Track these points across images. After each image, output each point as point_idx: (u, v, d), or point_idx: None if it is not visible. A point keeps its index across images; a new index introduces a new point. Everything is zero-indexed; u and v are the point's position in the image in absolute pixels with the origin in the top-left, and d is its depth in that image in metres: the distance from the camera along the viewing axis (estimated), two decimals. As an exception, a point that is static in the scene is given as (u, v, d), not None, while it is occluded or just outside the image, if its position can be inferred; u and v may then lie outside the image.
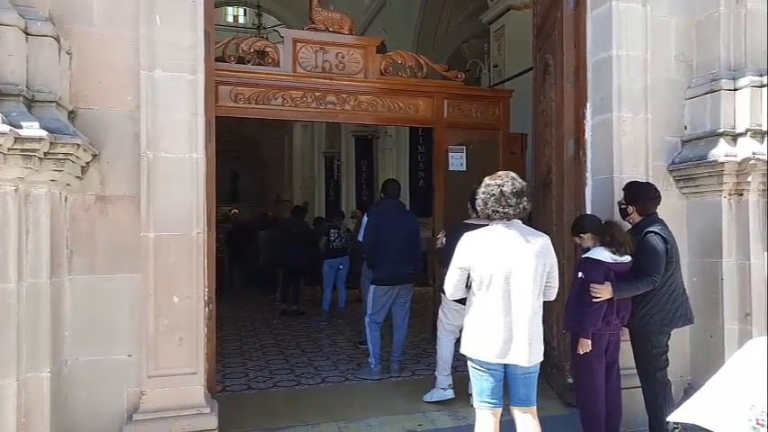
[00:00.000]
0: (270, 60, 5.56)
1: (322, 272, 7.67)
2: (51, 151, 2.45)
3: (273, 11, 16.14)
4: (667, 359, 3.29)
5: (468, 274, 2.57)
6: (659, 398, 3.21)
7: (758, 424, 1.29)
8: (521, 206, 2.54)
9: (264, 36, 9.06)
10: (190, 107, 2.97)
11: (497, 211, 2.54)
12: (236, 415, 3.69)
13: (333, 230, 7.72)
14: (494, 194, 2.54)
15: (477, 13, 9.48)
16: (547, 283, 2.61)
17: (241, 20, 20.59)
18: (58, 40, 2.63)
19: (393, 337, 4.98)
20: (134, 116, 2.91)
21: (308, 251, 7.76)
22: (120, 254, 2.90)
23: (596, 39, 3.91)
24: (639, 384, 3.35)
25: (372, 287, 4.90)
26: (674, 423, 3.22)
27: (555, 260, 2.66)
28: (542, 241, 2.60)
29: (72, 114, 2.80)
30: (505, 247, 2.52)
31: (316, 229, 8.42)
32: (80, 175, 2.81)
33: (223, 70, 5.45)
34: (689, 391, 3.84)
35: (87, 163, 2.81)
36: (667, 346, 3.29)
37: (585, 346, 3.07)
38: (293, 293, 8.05)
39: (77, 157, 2.61)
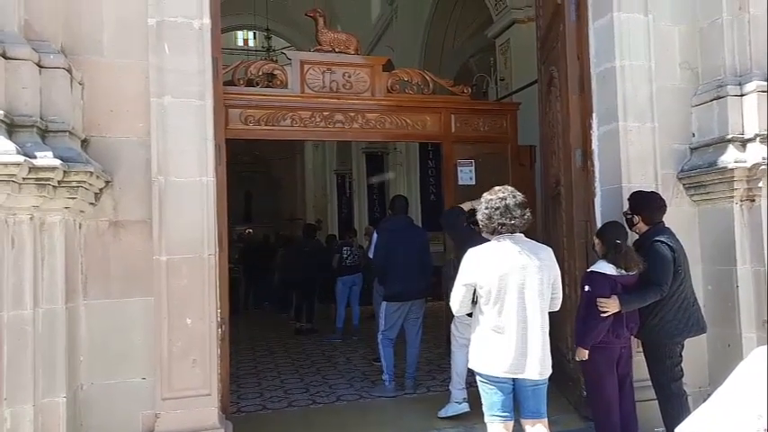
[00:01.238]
0: (278, 82, 5.64)
1: (335, 289, 7.68)
2: (65, 179, 2.51)
3: (282, 33, 16.40)
4: (681, 370, 3.25)
5: (474, 290, 2.57)
6: (675, 409, 3.15)
7: (767, 434, 1.28)
8: (525, 217, 2.56)
9: (274, 58, 9.22)
10: (199, 131, 3.03)
11: (504, 224, 2.55)
12: (252, 436, 3.70)
13: (345, 248, 7.74)
14: (498, 208, 2.56)
15: (482, 27, 9.54)
16: (552, 294, 2.62)
17: (251, 43, 20.95)
18: (70, 71, 2.72)
19: (406, 354, 4.97)
20: (145, 142, 2.98)
21: (321, 269, 7.78)
22: (133, 278, 2.95)
23: (599, 50, 3.93)
24: (655, 396, 3.31)
25: (384, 304, 4.91)
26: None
27: (558, 272, 2.67)
28: (546, 254, 2.61)
29: (85, 143, 2.88)
30: (512, 262, 2.53)
31: (328, 247, 8.45)
32: (93, 202, 2.87)
33: (233, 93, 5.55)
34: (708, 402, 3.78)
35: (100, 189, 2.88)
36: (681, 356, 3.24)
37: (582, 354, 3.06)
38: (307, 312, 8.07)
39: (90, 184, 2.67)
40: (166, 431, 2.88)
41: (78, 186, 2.57)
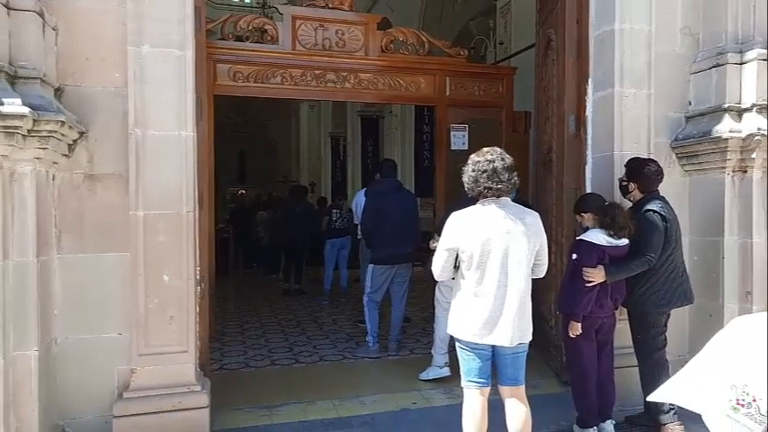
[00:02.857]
0: (269, 38, 5.48)
1: (324, 251, 7.67)
2: (35, 128, 2.41)
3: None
4: (665, 339, 3.25)
5: (457, 255, 2.52)
6: (657, 378, 3.16)
7: (738, 404, 1.25)
8: (512, 181, 2.49)
9: (270, 15, 8.96)
10: (179, 84, 2.91)
11: (490, 188, 2.48)
12: (232, 392, 3.71)
13: (335, 210, 7.69)
14: (486, 171, 2.48)
15: (483, -12, 9.28)
16: (536, 260, 2.57)
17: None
18: (41, 14, 2.58)
19: (391, 316, 4.98)
20: (122, 93, 2.87)
21: (310, 231, 7.74)
22: (109, 233, 2.88)
23: (600, 12, 3.79)
24: (635, 363, 3.32)
25: (371, 266, 4.89)
26: (670, 403, 3.19)
27: (545, 238, 2.61)
28: (532, 219, 2.55)
29: (59, 92, 2.77)
30: (496, 227, 2.47)
31: (319, 210, 8.39)
32: (67, 153, 2.78)
33: (221, 48, 5.40)
34: (688, 372, 3.81)
35: (74, 141, 2.78)
36: (666, 325, 3.25)
37: (575, 328, 3.03)
38: (295, 273, 8.08)
39: (63, 134, 2.58)
40: (142, 386, 2.86)
41: (49, 136, 2.47)
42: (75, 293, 2.86)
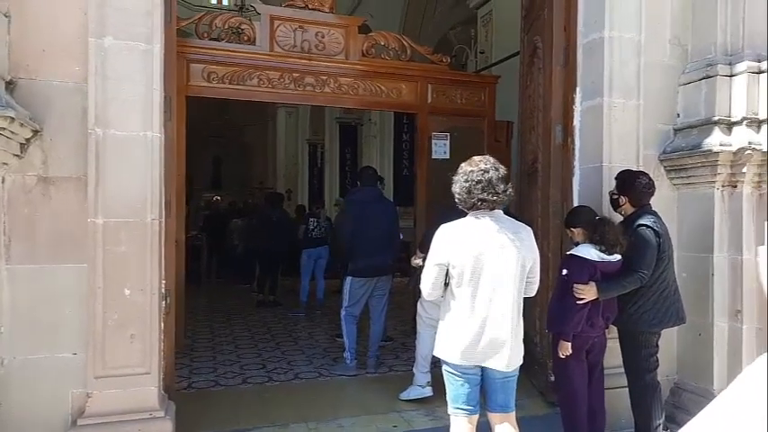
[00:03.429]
0: (245, 38, 5.27)
1: (300, 261, 7.42)
2: (-22, 125, 2.17)
3: (258, -7, 15.67)
4: (657, 360, 3.12)
5: (447, 271, 2.34)
6: (648, 400, 3.03)
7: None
8: (507, 192, 2.32)
9: (249, 18, 8.71)
10: (145, 80, 2.69)
11: (485, 200, 2.30)
12: (200, 415, 3.45)
13: (312, 219, 7.46)
14: (480, 181, 2.30)
15: (464, -3, 9.21)
16: (528, 278, 2.40)
17: (225, 2, 20.00)
18: (-11, -1, 2.35)
19: (370, 331, 4.77)
20: (82, 89, 2.63)
21: (286, 240, 7.50)
22: (65, 241, 2.63)
23: (588, 19, 3.69)
24: (625, 384, 3.18)
25: (349, 279, 4.68)
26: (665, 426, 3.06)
27: (537, 254, 2.45)
28: (527, 234, 2.39)
29: (11, 85, 2.51)
30: (489, 241, 2.30)
31: (296, 218, 8.15)
32: (19, 154, 2.53)
33: (194, 47, 5.18)
34: (676, 392, 3.69)
35: (27, 140, 2.53)
36: (657, 346, 3.12)
37: (565, 348, 2.88)
38: (270, 283, 7.80)
39: (12, 132, 2.33)
40: (99, 412, 2.60)
41: (-3, 134, 2.23)
42: (25, 308, 2.59)
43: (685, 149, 3.61)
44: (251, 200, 13.93)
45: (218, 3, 20.03)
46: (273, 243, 7.41)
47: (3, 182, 2.52)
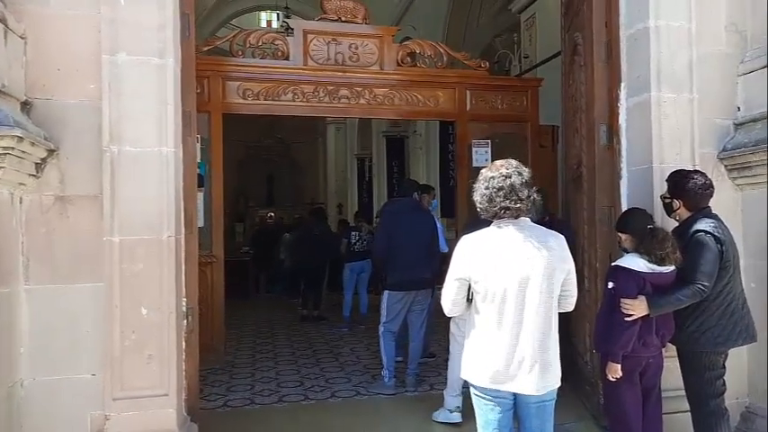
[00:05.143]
0: (279, 54, 5.29)
1: (343, 276, 7.33)
2: (-13, 145, 2.16)
3: (303, 12, 15.92)
4: (724, 383, 2.75)
5: (469, 286, 2.14)
6: (714, 429, 2.67)
7: None
8: (531, 198, 2.09)
9: (282, 34, 8.80)
10: (159, 95, 2.65)
11: (508, 208, 2.09)
12: (229, 436, 3.37)
13: (354, 233, 7.35)
14: (502, 188, 2.09)
15: (507, 4, 8.97)
16: (563, 291, 2.15)
17: (275, 24, 20.51)
18: (3, 21, 2.36)
19: (409, 348, 4.57)
20: (97, 106, 2.61)
21: (327, 254, 7.43)
22: (82, 260, 2.60)
23: (631, 8, 3.41)
24: (686, 409, 2.83)
25: (386, 293, 4.50)
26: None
27: (572, 265, 2.19)
28: (557, 242, 2.14)
29: (27, 105, 2.52)
30: (515, 253, 2.08)
31: (338, 232, 8.08)
32: (35, 173, 2.52)
33: (229, 65, 5.23)
34: (747, 417, 3.28)
35: (43, 159, 2.52)
36: (724, 367, 2.75)
37: (614, 371, 2.58)
38: (314, 298, 7.74)
39: (23, 151, 2.31)
40: (117, 435, 2.54)
41: (5, 154, 2.21)
42: (44, 329, 2.57)
43: (748, 146, 3.26)
44: (298, 215, 14.04)
45: (267, 25, 20.61)
46: (315, 257, 7.35)
47: (20, 202, 2.52)
